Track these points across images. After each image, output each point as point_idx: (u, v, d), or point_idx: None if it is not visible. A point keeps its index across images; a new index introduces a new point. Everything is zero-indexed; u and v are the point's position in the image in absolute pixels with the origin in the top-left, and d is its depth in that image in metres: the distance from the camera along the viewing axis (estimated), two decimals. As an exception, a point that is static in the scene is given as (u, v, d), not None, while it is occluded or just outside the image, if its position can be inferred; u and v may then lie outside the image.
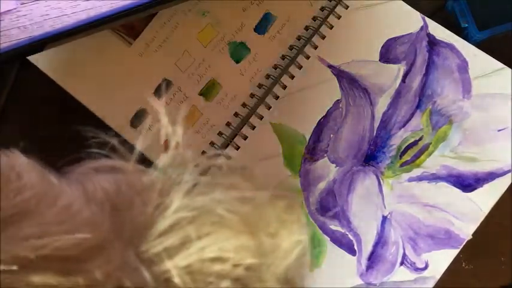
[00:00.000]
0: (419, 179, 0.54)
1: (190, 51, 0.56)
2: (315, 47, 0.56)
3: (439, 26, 0.57)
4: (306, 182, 0.54)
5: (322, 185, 0.54)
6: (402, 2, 0.57)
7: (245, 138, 0.55)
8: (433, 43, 0.56)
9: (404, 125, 0.55)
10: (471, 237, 0.54)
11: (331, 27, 0.57)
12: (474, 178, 0.54)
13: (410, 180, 0.54)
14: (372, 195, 0.54)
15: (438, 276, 0.53)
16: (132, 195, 0.24)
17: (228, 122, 0.55)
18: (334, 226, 0.54)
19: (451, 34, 0.57)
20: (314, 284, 0.53)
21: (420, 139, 0.55)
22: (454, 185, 0.54)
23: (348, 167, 0.55)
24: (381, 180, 0.54)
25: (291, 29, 0.57)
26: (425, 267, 0.53)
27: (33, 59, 0.54)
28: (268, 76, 0.56)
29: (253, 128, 0.55)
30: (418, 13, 0.57)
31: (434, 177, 0.54)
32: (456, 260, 0.53)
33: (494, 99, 0.55)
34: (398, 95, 0.56)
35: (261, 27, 0.57)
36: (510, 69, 0.56)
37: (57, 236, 0.21)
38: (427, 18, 0.57)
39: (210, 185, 0.25)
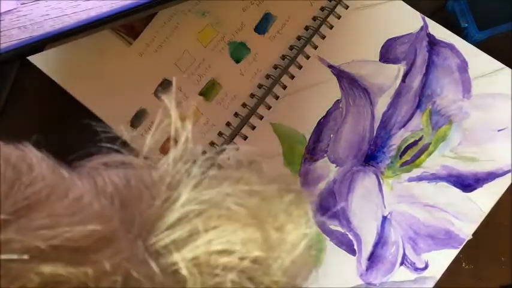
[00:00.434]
0: (419, 179, 0.54)
1: (190, 51, 0.56)
2: (315, 47, 0.56)
3: (439, 26, 0.57)
4: (306, 182, 0.54)
5: (322, 185, 0.54)
6: (402, 2, 0.57)
7: (245, 138, 0.55)
8: (433, 43, 0.56)
9: (404, 125, 0.55)
10: (471, 237, 0.54)
11: (331, 27, 0.57)
12: (474, 178, 0.54)
13: (410, 180, 0.54)
14: (372, 195, 0.54)
15: (438, 276, 0.53)
16: (141, 189, 0.24)
17: (228, 122, 0.55)
18: (334, 226, 0.54)
19: (451, 34, 0.57)
20: (314, 284, 0.53)
21: (420, 139, 0.55)
22: (454, 185, 0.54)
23: (348, 167, 0.55)
24: (381, 180, 0.54)
25: (291, 29, 0.57)
26: (425, 267, 0.53)
27: (33, 59, 0.54)
28: (268, 76, 0.56)
29: (253, 128, 0.55)
30: (418, 13, 0.57)
31: (434, 177, 0.54)
32: (456, 260, 0.53)
33: (494, 99, 0.55)
34: (398, 95, 0.56)
35: (261, 27, 0.57)
36: (510, 69, 0.56)
37: (67, 227, 0.21)
38: (427, 18, 0.57)
39: (218, 178, 0.25)
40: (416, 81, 0.56)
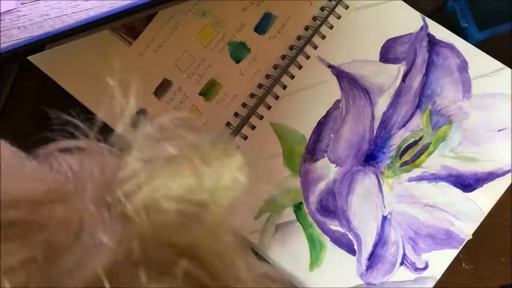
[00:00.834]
0: (419, 179, 0.54)
1: (190, 51, 0.56)
2: (315, 47, 0.56)
3: (439, 26, 0.57)
4: (306, 182, 0.54)
5: (322, 185, 0.54)
6: (402, 2, 0.57)
7: (245, 138, 0.55)
8: (433, 43, 0.56)
9: (404, 125, 0.55)
10: (471, 237, 0.54)
11: (331, 27, 0.57)
12: (474, 178, 0.54)
13: (410, 180, 0.54)
14: (371, 195, 0.54)
15: (438, 276, 0.53)
16: (93, 165, 0.27)
17: (228, 122, 0.55)
18: (334, 226, 0.54)
19: (451, 34, 0.57)
20: (314, 284, 0.53)
21: (420, 139, 0.55)
22: (454, 185, 0.54)
23: (348, 167, 0.55)
24: (381, 180, 0.54)
25: (291, 29, 0.57)
26: (425, 267, 0.53)
27: (33, 59, 0.54)
28: (268, 76, 0.56)
29: (253, 128, 0.55)
30: (418, 13, 0.57)
31: (434, 177, 0.54)
32: (456, 260, 0.53)
33: (494, 99, 0.55)
34: (398, 95, 0.56)
35: (261, 27, 0.57)
36: (510, 69, 0.56)
37: (26, 186, 0.25)
38: (427, 18, 0.57)
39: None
40: (416, 81, 0.56)
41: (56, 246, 0.23)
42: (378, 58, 0.56)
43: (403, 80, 0.56)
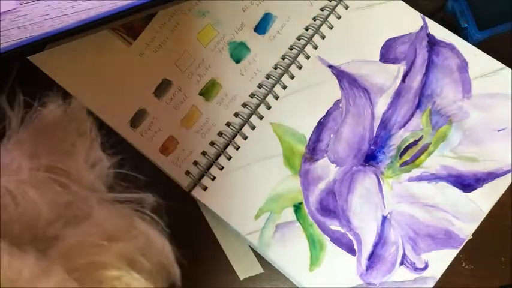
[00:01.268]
0: (419, 179, 0.54)
1: (190, 51, 0.56)
2: (315, 47, 0.56)
3: (439, 26, 0.57)
4: (306, 182, 0.54)
5: (322, 185, 0.54)
6: (402, 2, 0.57)
7: (245, 138, 0.55)
8: (433, 43, 0.56)
9: (404, 125, 0.55)
10: (471, 237, 0.53)
11: (331, 27, 0.57)
12: (474, 178, 0.54)
13: (410, 180, 0.54)
14: (371, 195, 0.54)
15: (438, 276, 0.53)
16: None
17: (228, 122, 0.55)
18: (334, 226, 0.54)
19: (451, 34, 0.57)
20: (314, 284, 0.53)
21: (420, 139, 0.55)
22: (454, 185, 0.54)
23: (348, 167, 0.55)
24: (381, 180, 0.54)
25: (291, 29, 0.57)
26: (425, 267, 0.53)
27: (33, 59, 0.54)
28: (268, 76, 0.56)
29: (253, 128, 0.55)
30: (418, 13, 0.57)
31: (434, 177, 0.54)
32: (456, 260, 0.53)
33: (494, 99, 0.55)
34: (398, 95, 0.56)
35: (261, 27, 0.57)
36: (510, 69, 0.56)
37: None
38: (427, 18, 0.57)
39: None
40: (416, 81, 0.56)
41: None
42: (378, 58, 0.56)
43: (403, 80, 0.56)
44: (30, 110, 0.33)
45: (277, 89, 0.56)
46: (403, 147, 0.55)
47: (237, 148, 0.55)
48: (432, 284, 0.53)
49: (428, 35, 0.57)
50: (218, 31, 0.57)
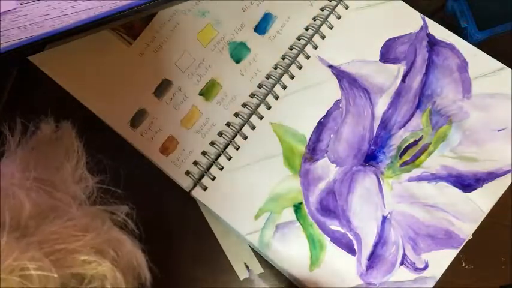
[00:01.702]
0: (419, 179, 0.54)
1: (190, 51, 0.56)
2: (315, 47, 0.56)
3: (439, 26, 0.57)
4: (306, 182, 0.54)
5: (322, 185, 0.54)
6: (402, 2, 0.57)
7: (245, 138, 0.55)
8: (433, 43, 0.56)
9: (404, 125, 0.55)
10: (471, 237, 0.54)
11: (331, 27, 0.57)
12: (474, 178, 0.54)
13: (410, 180, 0.54)
14: (371, 195, 0.54)
15: (438, 276, 0.53)
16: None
17: (228, 122, 0.55)
18: (334, 226, 0.54)
19: (451, 34, 0.57)
20: (314, 284, 0.53)
21: (420, 139, 0.55)
22: (454, 185, 0.54)
23: (348, 167, 0.55)
24: (381, 180, 0.54)
25: (291, 29, 0.57)
26: (425, 267, 0.53)
27: (33, 59, 0.54)
28: (268, 76, 0.56)
29: (253, 128, 0.55)
30: (418, 13, 0.57)
31: (434, 177, 0.54)
32: (456, 260, 0.53)
33: (494, 99, 0.55)
34: (398, 95, 0.56)
35: (261, 27, 0.57)
36: (510, 69, 0.56)
37: None
38: (427, 18, 0.57)
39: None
40: (416, 81, 0.56)
41: None
42: (378, 58, 0.56)
43: (403, 80, 0.56)
44: (26, 133, 0.39)
45: (277, 89, 0.56)
46: (403, 147, 0.55)
47: (237, 148, 0.55)
48: (432, 284, 0.53)
49: (428, 35, 0.57)
50: (218, 31, 0.57)
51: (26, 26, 0.45)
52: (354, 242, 0.53)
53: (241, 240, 0.55)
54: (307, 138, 0.55)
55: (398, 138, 0.55)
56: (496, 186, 0.54)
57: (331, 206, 0.54)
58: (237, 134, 0.55)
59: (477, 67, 0.56)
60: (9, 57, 0.47)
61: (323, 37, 0.57)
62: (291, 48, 0.57)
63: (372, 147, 0.55)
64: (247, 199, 0.53)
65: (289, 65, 0.56)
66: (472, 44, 0.56)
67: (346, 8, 0.57)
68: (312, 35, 0.57)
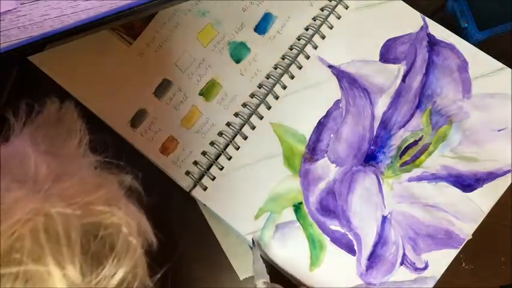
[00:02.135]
0: (419, 179, 0.54)
1: (190, 51, 0.56)
2: (315, 47, 0.56)
3: (439, 26, 0.57)
4: (306, 182, 0.54)
5: (322, 185, 0.54)
6: (402, 2, 0.57)
7: (245, 138, 0.55)
8: (433, 43, 0.56)
9: (404, 125, 0.55)
10: (471, 237, 0.53)
11: (331, 27, 0.57)
12: (474, 178, 0.54)
13: (410, 180, 0.54)
14: (371, 195, 0.54)
15: (438, 276, 0.53)
16: None
17: (228, 121, 0.55)
18: (334, 226, 0.54)
19: (451, 34, 0.57)
20: (314, 284, 0.53)
21: (420, 139, 0.55)
22: (454, 185, 0.54)
23: (348, 167, 0.55)
24: (381, 180, 0.54)
25: (291, 29, 0.57)
26: (425, 267, 0.53)
27: (33, 59, 0.54)
28: (268, 76, 0.56)
29: (253, 128, 0.55)
30: (418, 13, 0.57)
31: (434, 177, 0.54)
32: (456, 260, 0.53)
33: (494, 99, 0.55)
34: (398, 95, 0.56)
35: (261, 27, 0.57)
36: (510, 69, 0.56)
37: None
38: (427, 18, 0.57)
39: None
40: (416, 81, 0.56)
41: None
42: (378, 58, 0.56)
43: (403, 80, 0.56)
44: (31, 114, 0.39)
45: (277, 89, 0.56)
46: (403, 147, 0.55)
47: (237, 148, 0.55)
48: (432, 284, 0.53)
49: (429, 35, 0.57)
50: (218, 31, 0.57)
51: (25, 26, 0.45)
52: (354, 242, 0.53)
53: (241, 240, 0.55)
54: (307, 138, 0.55)
55: (398, 138, 0.55)
56: (496, 186, 0.54)
57: (331, 206, 0.54)
58: (237, 134, 0.55)
59: (477, 67, 0.56)
60: (9, 57, 0.47)
61: (323, 37, 0.57)
62: (291, 48, 0.57)
63: (372, 147, 0.55)
64: (247, 199, 0.53)
65: (289, 65, 0.56)
66: (472, 44, 0.56)
67: (346, 8, 0.57)
68: (312, 35, 0.57)
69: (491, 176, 0.54)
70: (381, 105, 0.56)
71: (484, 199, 0.54)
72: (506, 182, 0.54)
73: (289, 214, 0.53)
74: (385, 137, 0.55)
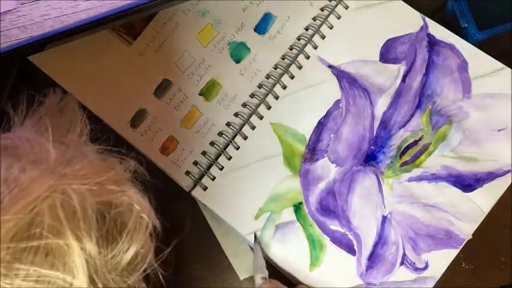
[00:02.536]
0: (419, 179, 0.54)
1: (190, 51, 0.56)
2: (315, 47, 0.56)
3: (439, 26, 0.57)
4: (306, 182, 0.54)
5: (322, 185, 0.54)
6: (402, 2, 0.57)
7: (245, 138, 0.55)
8: (433, 43, 0.56)
9: (404, 125, 0.55)
10: (471, 237, 0.54)
11: (331, 27, 0.57)
12: (474, 178, 0.54)
13: (410, 180, 0.54)
14: (371, 195, 0.54)
15: (438, 276, 0.53)
16: None
17: (228, 121, 0.55)
18: (334, 226, 0.54)
19: (451, 34, 0.57)
20: (314, 284, 0.53)
21: (420, 139, 0.55)
22: (454, 185, 0.54)
23: (348, 167, 0.55)
24: (381, 180, 0.54)
25: (291, 29, 0.57)
26: (425, 267, 0.53)
27: (33, 59, 0.54)
28: (268, 76, 0.56)
29: (254, 128, 0.55)
30: (418, 13, 0.57)
31: (434, 177, 0.54)
32: (456, 260, 0.53)
33: (494, 99, 0.55)
34: (398, 95, 0.56)
35: (261, 27, 0.57)
36: (510, 69, 0.56)
37: None
38: (427, 18, 0.57)
39: None
40: (416, 81, 0.56)
41: None
42: (378, 58, 0.56)
43: (403, 80, 0.56)
44: (32, 105, 0.40)
45: (277, 89, 0.56)
46: (403, 147, 0.55)
47: (237, 148, 0.55)
48: (432, 284, 0.53)
49: (428, 35, 0.57)
50: (218, 31, 0.57)
51: (26, 26, 0.45)
52: (354, 242, 0.53)
53: (241, 240, 0.55)
54: (307, 138, 0.55)
55: (398, 138, 0.55)
56: (496, 186, 0.54)
57: (331, 206, 0.54)
58: (237, 134, 0.55)
59: (477, 67, 0.56)
60: (9, 57, 0.47)
61: (323, 37, 0.57)
62: (291, 48, 0.57)
63: (372, 147, 0.55)
64: (247, 199, 0.53)
65: (289, 65, 0.56)
66: (472, 44, 0.56)
67: (346, 8, 0.57)
68: (312, 35, 0.57)
69: (491, 176, 0.54)
70: (381, 105, 0.56)
71: (484, 199, 0.54)
72: (506, 182, 0.54)
73: (289, 214, 0.53)
74: (385, 137, 0.55)
